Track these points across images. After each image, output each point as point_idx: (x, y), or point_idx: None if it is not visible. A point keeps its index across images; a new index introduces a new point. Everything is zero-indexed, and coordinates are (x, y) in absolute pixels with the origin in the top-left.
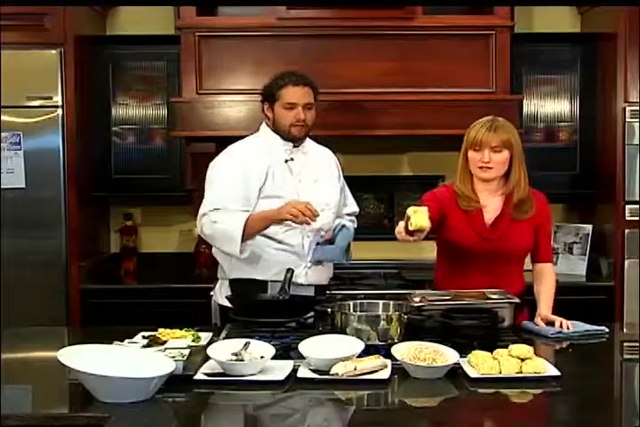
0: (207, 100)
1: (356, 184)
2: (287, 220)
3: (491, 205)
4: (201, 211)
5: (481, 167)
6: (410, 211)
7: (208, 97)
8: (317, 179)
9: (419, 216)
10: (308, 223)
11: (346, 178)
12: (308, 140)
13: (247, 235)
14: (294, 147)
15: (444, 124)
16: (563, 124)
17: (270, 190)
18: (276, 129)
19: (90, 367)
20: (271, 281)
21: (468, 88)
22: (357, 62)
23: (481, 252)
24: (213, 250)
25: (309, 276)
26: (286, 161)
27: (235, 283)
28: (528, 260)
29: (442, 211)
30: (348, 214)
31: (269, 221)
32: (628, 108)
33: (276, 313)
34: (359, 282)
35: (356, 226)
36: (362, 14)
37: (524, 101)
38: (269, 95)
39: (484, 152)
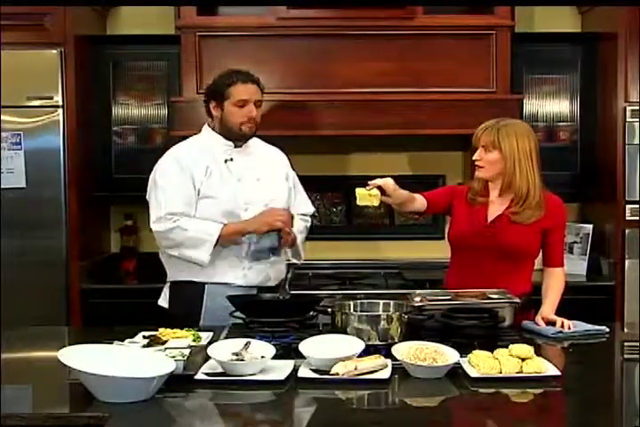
0: None
1: (355, 183)
2: (266, 230)
3: (497, 204)
4: (157, 213)
5: (475, 165)
6: (357, 192)
7: None
8: (260, 178)
9: (360, 197)
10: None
11: (347, 178)
12: (254, 139)
13: (219, 245)
14: (235, 147)
15: (444, 123)
16: (563, 123)
17: (207, 190)
18: (224, 128)
19: (90, 367)
20: (209, 283)
21: (468, 88)
22: (357, 62)
23: (476, 247)
24: (160, 252)
25: (248, 277)
26: (226, 161)
27: (174, 285)
28: (538, 261)
29: (449, 201)
30: (303, 214)
31: (244, 233)
32: (628, 108)
33: (276, 313)
34: (359, 282)
35: (308, 225)
36: (362, 14)
37: (525, 101)
38: (217, 93)
39: (476, 151)
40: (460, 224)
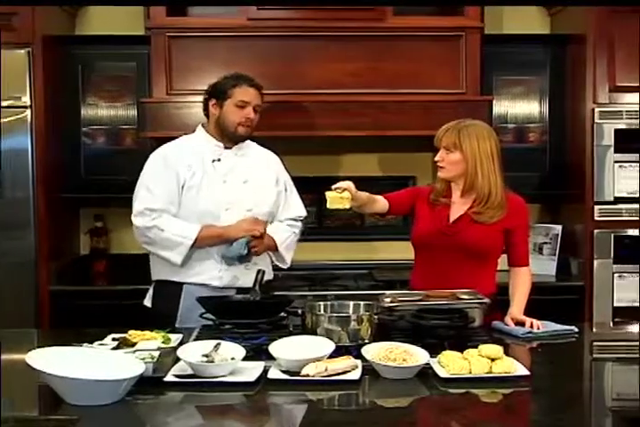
0: (177, 101)
1: (325, 185)
2: (242, 236)
3: (459, 204)
4: (137, 208)
5: (437, 166)
6: (327, 196)
7: (178, 97)
8: (247, 180)
9: (331, 200)
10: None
11: (317, 179)
12: (248, 142)
13: (195, 247)
14: (225, 148)
15: (414, 124)
16: (532, 124)
17: (189, 189)
18: (219, 127)
19: (59, 370)
20: (187, 283)
21: (438, 89)
22: (328, 63)
23: (439, 247)
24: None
25: (224, 279)
26: (213, 161)
27: (157, 285)
28: (502, 260)
29: (412, 202)
30: (292, 219)
31: (222, 239)
32: (596, 110)
33: (246, 314)
34: (330, 283)
35: (296, 231)
36: (332, 15)
37: (494, 102)
38: (220, 92)
39: (439, 151)
40: (422, 225)
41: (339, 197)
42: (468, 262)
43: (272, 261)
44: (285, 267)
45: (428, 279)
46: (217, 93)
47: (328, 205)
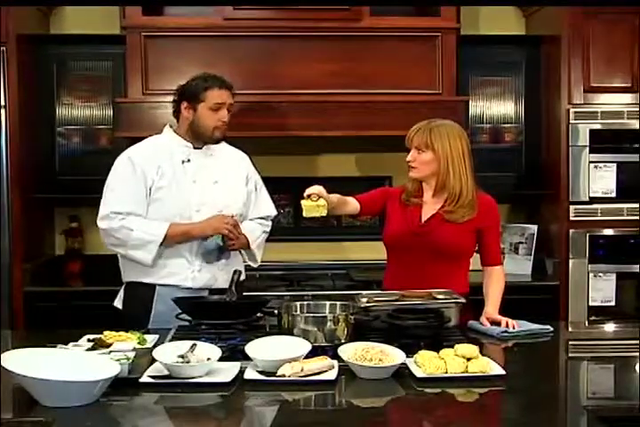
0: (153, 101)
1: (303, 185)
2: (212, 235)
3: (431, 204)
4: (103, 211)
5: (409, 166)
6: (303, 205)
7: (154, 97)
8: (218, 180)
9: (308, 209)
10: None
11: (293, 179)
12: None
13: (164, 245)
14: (195, 148)
15: (391, 125)
16: (508, 125)
17: (158, 190)
18: (194, 129)
19: (33, 372)
20: (159, 285)
21: (414, 89)
22: (304, 63)
23: (411, 247)
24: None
25: (197, 280)
26: (183, 162)
27: (128, 286)
28: (474, 260)
29: (383, 202)
30: (262, 218)
31: (191, 236)
32: (571, 110)
33: (222, 315)
34: (306, 283)
35: (267, 229)
36: (309, 15)
37: (470, 103)
38: (192, 95)
39: (410, 151)
40: (394, 225)
41: (315, 206)
42: (441, 262)
43: (243, 261)
44: (256, 265)
45: (401, 279)
46: (188, 96)
47: (304, 214)
